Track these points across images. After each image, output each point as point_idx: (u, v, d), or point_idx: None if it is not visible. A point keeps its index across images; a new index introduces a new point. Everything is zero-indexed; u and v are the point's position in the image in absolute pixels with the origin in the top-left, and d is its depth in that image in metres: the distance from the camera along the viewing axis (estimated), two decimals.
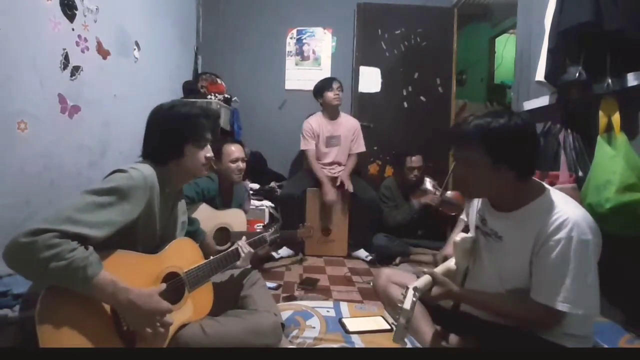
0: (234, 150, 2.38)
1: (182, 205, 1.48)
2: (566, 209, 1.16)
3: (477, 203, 1.43)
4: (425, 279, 1.25)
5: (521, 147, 1.17)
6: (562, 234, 1.12)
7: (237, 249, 1.59)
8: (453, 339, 1.39)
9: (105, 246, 1.09)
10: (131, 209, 1.13)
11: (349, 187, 3.23)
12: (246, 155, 2.49)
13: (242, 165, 2.42)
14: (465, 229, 1.54)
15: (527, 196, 1.22)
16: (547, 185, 1.26)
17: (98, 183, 1.13)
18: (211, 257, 1.44)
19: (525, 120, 1.19)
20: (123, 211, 1.11)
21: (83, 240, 1.01)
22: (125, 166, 1.18)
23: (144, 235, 1.21)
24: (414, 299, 1.17)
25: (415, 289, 1.19)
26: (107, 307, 1.08)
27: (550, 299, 1.14)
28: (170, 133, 1.29)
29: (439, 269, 1.43)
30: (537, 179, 1.28)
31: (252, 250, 1.63)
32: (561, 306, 1.12)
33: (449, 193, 3.03)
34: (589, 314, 1.14)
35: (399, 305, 1.17)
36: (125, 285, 1.05)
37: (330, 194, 3.21)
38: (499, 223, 1.29)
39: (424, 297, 1.23)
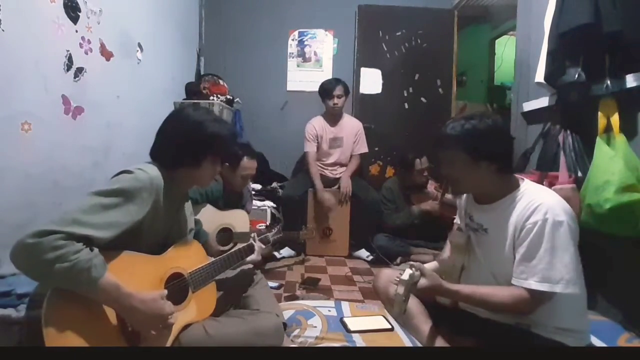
0: (251, 167, 2.45)
1: (188, 206, 1.48)
2: (540, 196, 1.24)
3: (464, 202, 1.50)
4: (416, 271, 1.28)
5: (495, 143, 1.28)
6: (537, 217, 1.19)
7: (251, 244, 1.62)
8: (448, 335, 1.40)
9: (111, 247, 1.09)
10: (137, 210, 1.13)
11: (348, 191, 3.24)
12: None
13: (249, 179, 2.52)
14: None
15: (507, 188, 1.31)
16: (524, 178, 1.35)
17: (104, 184, 1.13)
18: (215, 258, 1.45)
19: (495, 120, 1.31)
20: (128, 212, 1.11)
21: (88, 241, 1.01)
22: (131, 167, 1.18)
23: (149, 237, 1.22)
24: (412, 270, 1.23)
25: (412, 266, 1.25)
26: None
27: (529, 280, 1.19)
28: (194, 143, 1.29)
29: (430, 265, 1.45)
30: (516, 175, 1.36)
31: (263, 245, 1.67)
32: (540, 286, 1.17)
33: (449, 195, 3.04)
34: (568, 293, 1.16)
35: (397, 278, 1.24)
36: (128, 290, 1.05)
37: (326, 198, 3.23)
38: (483, 216, 1.36)
39: (412, 290, 1.27)
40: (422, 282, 1.25)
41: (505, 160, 1.29)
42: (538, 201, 1.21)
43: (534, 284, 1.17)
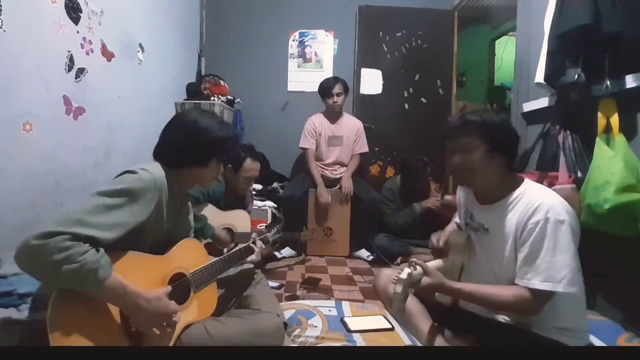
0: (253, 168, 2.42)
1: (188, 206, 1.49)
2: (541, 195, 1.24)
3: (464, 201, 1.49)
4: (418, 269, 1.29)
5: (511, 138, 1.30)
6: (538, 216, 1.20)
7: (249, 246, 1.62)
8: (448, 335, 1.40)
9: (115, 247, 1.09)
10: (141, 210, 1.13)
11: (349, 190, 3.25)
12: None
13: (252, 181, 2.49)
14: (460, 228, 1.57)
15: (509, 187, 1.32)
16: (524, 177, 1.35)
17: (108, 184, 1.13)
18: (216, 258, 1.45)
19: (505, 117, 1.35)
20: (133, 212, 1.11)
21: (94, 242, 1.01)
22: (135, 167, 1.19)
23: (152, 236, 1.22)
24: (410, 269, 1.24)
25: (413, 264, 1.26)
26: (115, 308, 1.09)
27: (532, 280, 1.19)
28: (199, 147, 1.30)
29: (433, 263, 1.45)
30: (518, 174, 1.37)
31: (263, 245, 1.68)
32: (543, 285, 1.17)
33: (448, 196, 3.04)
34: (570, 292, 1.17)
35: (395, 277, 1.24)
36: (134, 289, 1.06)
37: (324, 196, 3.22)
38: (484, 215, 1.37)
39: (414, 288, 1.28)
40: (425, 279, 1.26)
41: (514, 156, 1.32)
42: (539, 200, 1.22)
43: (537, 284, 1.18)
